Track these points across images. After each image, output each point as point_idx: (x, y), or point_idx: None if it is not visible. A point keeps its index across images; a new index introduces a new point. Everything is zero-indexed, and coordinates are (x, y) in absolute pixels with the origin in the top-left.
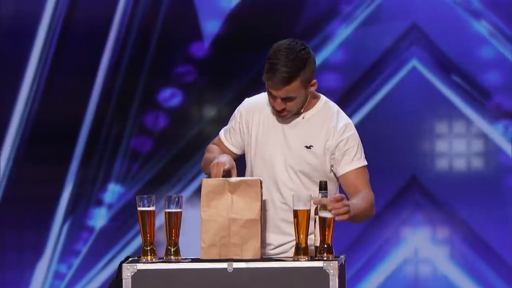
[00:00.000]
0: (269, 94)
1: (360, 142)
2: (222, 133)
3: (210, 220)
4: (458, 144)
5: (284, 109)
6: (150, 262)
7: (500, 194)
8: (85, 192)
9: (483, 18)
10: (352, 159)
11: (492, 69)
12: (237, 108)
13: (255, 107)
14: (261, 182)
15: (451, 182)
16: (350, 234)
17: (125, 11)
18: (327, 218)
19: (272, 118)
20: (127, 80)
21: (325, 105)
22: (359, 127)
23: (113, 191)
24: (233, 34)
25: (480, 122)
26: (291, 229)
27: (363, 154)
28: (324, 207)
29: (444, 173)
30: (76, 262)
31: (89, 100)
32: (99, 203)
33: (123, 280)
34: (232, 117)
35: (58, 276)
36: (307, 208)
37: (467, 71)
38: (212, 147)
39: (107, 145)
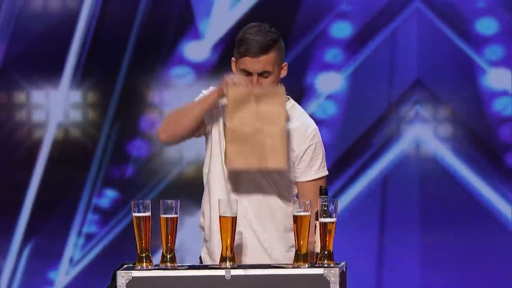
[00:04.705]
0: (243, 72)
1: (324, 149)
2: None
3: (236, 129)
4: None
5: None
6: (146, 269)
7: None
8: (80, 198)
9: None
10: (316, 168)
11: None
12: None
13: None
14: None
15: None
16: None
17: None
18: (328, 223)
19: None
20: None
21: (295, 105)
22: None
23: (108, 197)
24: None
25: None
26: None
27: (325, 162)
28: (325, 213)
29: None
30: (70, 268)
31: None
32: (94, 208)
33: None
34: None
35: (51, 283)
36: (307, 213)
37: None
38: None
39: (102, 149)
